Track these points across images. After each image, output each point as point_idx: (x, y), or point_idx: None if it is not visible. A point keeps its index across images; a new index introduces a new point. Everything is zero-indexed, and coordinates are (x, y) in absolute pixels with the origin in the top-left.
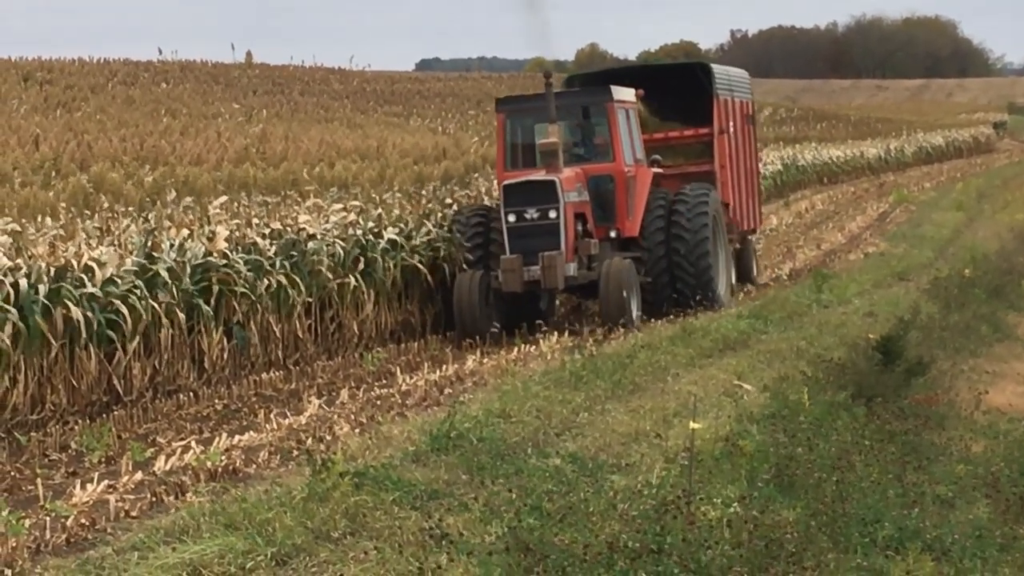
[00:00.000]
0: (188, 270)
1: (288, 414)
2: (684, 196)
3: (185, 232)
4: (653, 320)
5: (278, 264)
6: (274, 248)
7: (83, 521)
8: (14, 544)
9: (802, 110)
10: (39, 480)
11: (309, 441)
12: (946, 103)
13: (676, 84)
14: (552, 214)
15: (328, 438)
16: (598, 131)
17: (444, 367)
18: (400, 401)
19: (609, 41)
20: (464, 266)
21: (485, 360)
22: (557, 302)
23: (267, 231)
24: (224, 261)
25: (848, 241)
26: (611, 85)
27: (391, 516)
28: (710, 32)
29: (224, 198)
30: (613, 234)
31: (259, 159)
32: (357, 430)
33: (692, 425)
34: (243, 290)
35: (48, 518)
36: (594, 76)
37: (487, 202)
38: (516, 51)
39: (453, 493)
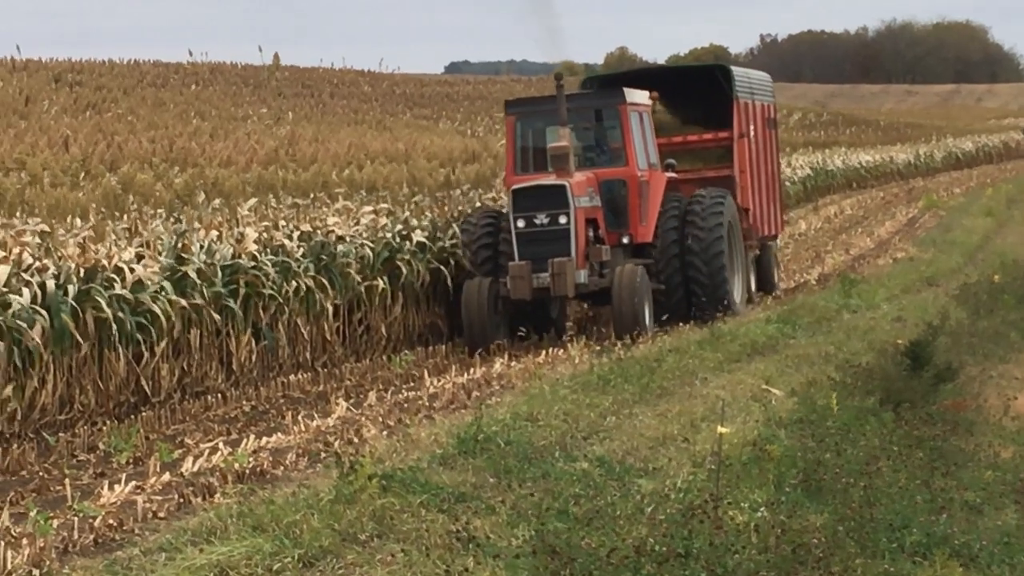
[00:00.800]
0: (217, 272)
1: (316, 416)
2: (699, 201)
3: (214, 234)
4: (681, 324)
5: (306, 266)
6: (302, 250)
7: (111, 522)
8: (42, 544)
9: (831, 115)
10: (67, 480)
11: (337, 443)
12: (976, 108)
13: (696, 87)
14: (562, 219)
15: (356, 440)
16: (610, 134)
17: (472, 370)
18: (427, 404)
19: (639, 45)
20: (472, 273)
21: (513, 363)
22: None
23: (296, 233)
24: (253, 263)
25: (877, 246)
26: (624, 87)
27: (418, 519)
28: (740, 37)
29: (253, 200)
30: (626, 240)
31: (288, 161)
32: (385, 432)
33: (720, 429)
34: (271, 292)
35: (76, 518)
36: (612, 78)
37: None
38: (546, 55)
39: (480, 496)
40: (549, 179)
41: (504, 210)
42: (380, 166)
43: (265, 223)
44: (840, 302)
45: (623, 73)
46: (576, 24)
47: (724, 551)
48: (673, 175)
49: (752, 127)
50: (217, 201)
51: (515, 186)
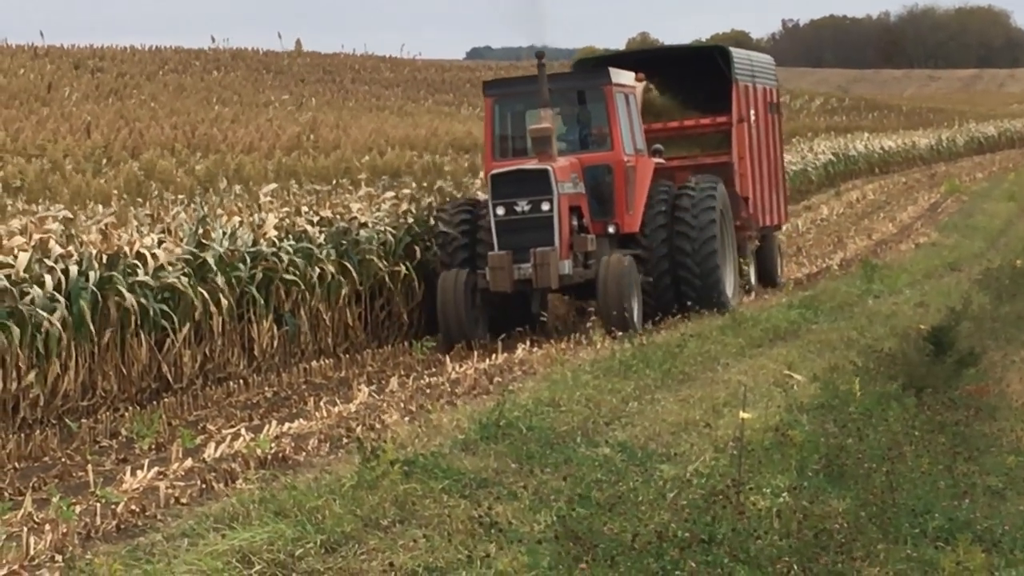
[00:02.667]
0: (240, 258)
1: (338, 402)
2: (689, 189)
3: (236, 220)
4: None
5: (328, 252)
6: (324, 236)
7: (133, 507)
8: (65, 530)
9: (853, 100)
10: (89, 466)
11: (359, 429)
12: (998, 93)
13: (694, 70)
14: (545, 206)
15: (378, 426)
16: (595, 117)
17: (494, 356)
18: (450, 389)
19: (661, 30)
20: (442, 265)
21: (535, 349)
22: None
23: (317, 219)
24: (274, 249)
25: (899, 231)
26: (610, 67)
27: (440, 504)
28: (762, 22)
29: (273, 185)
30: (611, 229)
31: (310, 147)
32: (406, 418)
33: (742, 415)
34: (293, 278)
35: (98, 504)
36: (607, 60)
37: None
38: (567, 40)
39: (502, 482)
40: (530, 163)
41: (482, 199)
42: (402, 152)
43: (286, 209)
44: (862, 287)
45: (618, 54)
46: (597, 9)
47: (746, 536)
48: (661, 161)
49: (753, 112)
50: (238, 187)
51: (494, 171)
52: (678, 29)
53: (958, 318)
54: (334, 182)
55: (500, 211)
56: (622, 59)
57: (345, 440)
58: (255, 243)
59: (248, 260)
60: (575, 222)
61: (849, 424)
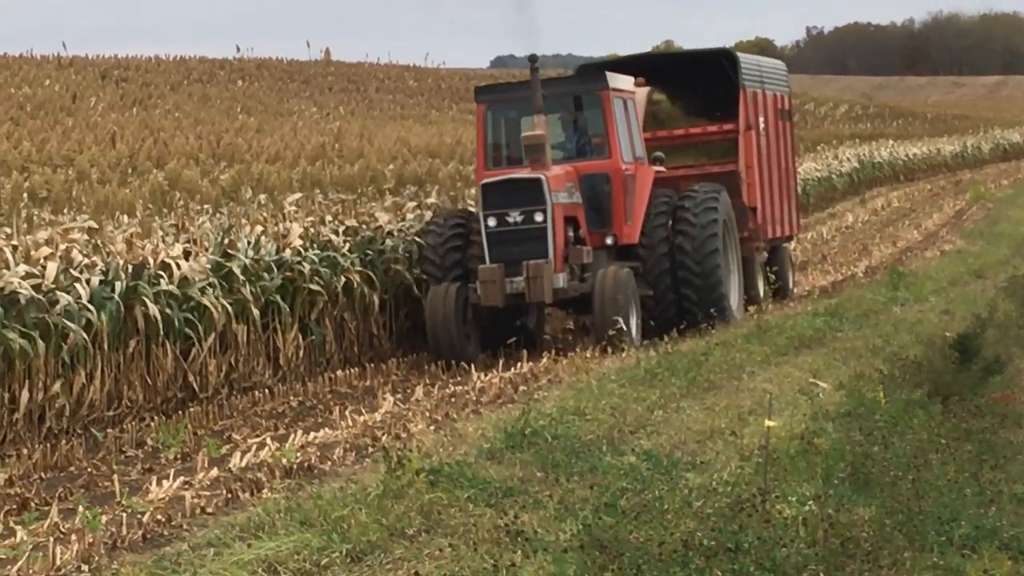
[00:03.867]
0: (265, 267)
1: (363, 411)
2: (690, 198)
3: (259, 229)
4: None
5: (353, 261)
6: (349, 245)
7: (159, 517)
8: (91, 540)
9: (878, 107)
10: (116, 476)
11: (384, 438)
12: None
13: (700, 76)
14: (538, 217)
15: (403, 435)
16: (592, 124)
17: (519, 364)
18: (475, 398)
19: (685, 38)
20: (433, 280)
21: (560, 358)
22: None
23: (343, 228)
24: (299, 258)
25: (924, 238)
26: (607, 72)
27: (466, 513)
28: (786, 29)
29: (298, 195)
30: (609, 241)
31: (335, 157)
32: (432, 427)
33: (767, 423)
34: (318, 287)
35: (125, 514)
36: (609, 65)
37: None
38: (590, 48)
39: (528, 490)
40: (522, 172)
41: (475, 210)
42: (426, 160)
43: (311, 218)
44: (887, 295)
45: (622, 59)
46: (621, 17)
47: (772, 545)
48: (661, 169)
49: (762, 119)
50: (262, 196)
51: (484, 180)
52: (703, 37)
53: (984, 325)
54: (359, 191)
55: (491, 222)
56: (626, 65)
57: (370, 449)
58: (280, 252)
59: (274, 269)
60: (571, 233)
61: (875, 432)
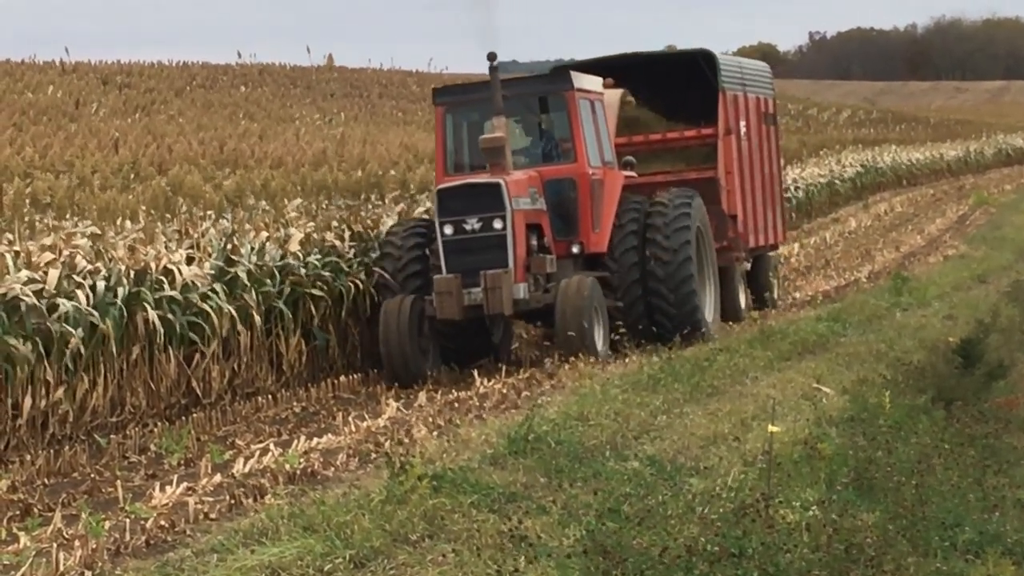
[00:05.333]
0: (268, 273)
1: (366, 417)
2: (662, 204)
3: (264, 235)
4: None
5: (356, 266)
6: (353, 251)
7: (162, 523)
8: (94, 546)
9: (881, 112)
10: (119, 482)
11: (387, 444)
12: None
13: (679, 78)
14: (497, 224)
15: (406, 441)
16: (557, 126)
17: (522, 370)
18: (478, 404)
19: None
20: (389, 292)
21: (563, 364)
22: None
23: (347, 234)
24: (302, 264)
25: (927, 244)
26: (572, 72)
27: (469, 519)
28: (789, 34)
29: (299, 201)
30: (576, 249)
31: (338, 162)
32: (435, 433)
33: (771, 428)
34: (321, 293)
35: (128, 520)
36: (584, 65)
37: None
38: (590, 52)
39: (531, 496)
40: (481, 177)
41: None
42: (429, 165)
43: (312, 224)
44: (891, 300)
45: (596, 60)
46: (621, 22)
47: (776, 550)
48: (632, 174)
49: (743, 123)
50: (264, 202)
51: (440, 186)
52: (704, 42)
53: (987, 330)
54: (363, 196)
55: (448, 230)
56: (600, 66)
57: (374, 455)
58: (283, 258)
59: (277, 275)
60: (534, 242)
61: (878, 437)
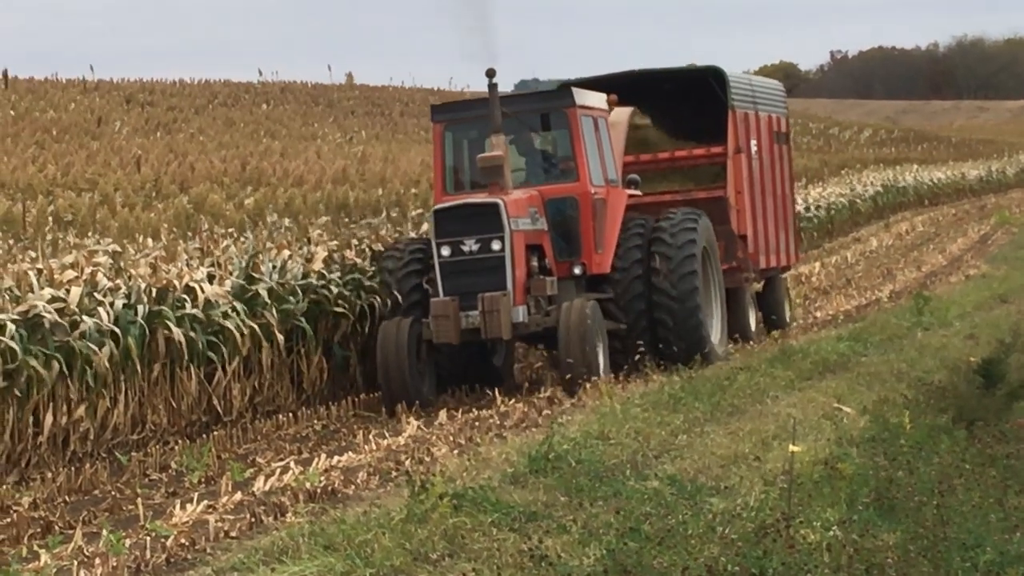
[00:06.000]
0: (290, 291)
1: (386, 435)
2: (666, 224)
3: (285, 253)
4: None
5: (379, 284)
6: (375, 268)
7: (183, 541)
8: (115, 564)
9: (903, 131)
10: (139, 500)
11: (408, 462)
12: None
13: (689, 95)
14: (496, 245)
15: (427, 459)
16: (558, 144)
17: (543, 388)
18: (498, 422)
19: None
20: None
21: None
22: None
23: (371, 252)
24: (323, 282)
25: (949, 263)
26: (574, 88)
27: (490, 538)
28: (810, 53)
29: (325, 218)
30: (578, 271)
31: (359, 180)
32: (455, 451)
33: (791, 448)
34: (342, 310)
35: (148, 538)
36: (591, 82)
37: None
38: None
39: (551, 515)
40: (479, 197)
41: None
42: None
43: (335, 242)
44: (912, 319)
45: (603, 77)
46: (641, 39)
47: (797, 570)
48: (637, 192)
49: (754, 142)
50: (287, 220)
51: (437, 206)
52: (725, 61)
53: (1008, 350)
54: (384, 214)
55: (445, 251)
56: (608, 82)
57: (394, 473)
58: (305, 276)
59: (299, 293)
60: (535, 263)
61: (899, 457)
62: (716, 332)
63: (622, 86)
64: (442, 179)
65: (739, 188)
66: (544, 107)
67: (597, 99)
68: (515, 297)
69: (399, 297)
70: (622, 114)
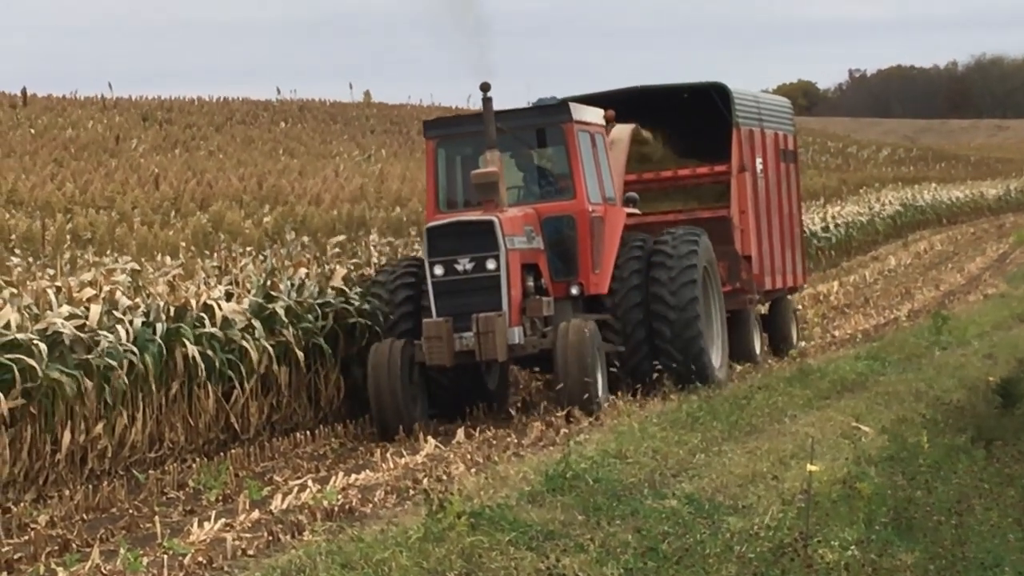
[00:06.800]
0: (308, 309)
1: (404, 453)
2: (666, 243)
3: (303, 272)
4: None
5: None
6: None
7: (200, 559)
8: None
9: (921, 150)
10: (157, 518)
11: (425, 481)
12: None
13: (692, 112)
14: (490, 264)
15: (444, 478)
16: (555, 161)
17: (560, 407)
18: (516, 441)
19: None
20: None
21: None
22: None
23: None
24: (342, 299)
25: (967, 282)
26: (571, 103)
27: (507, 556)
28: (829, 72)
29: (341, 237)
30: (575, 291)
31: (377, 199)
32: (473, 470)
33: (809, 467)
34: (363, 325)
35: (166, 556)
36: (593, 98)
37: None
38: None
39: (569, 534)
40: (473, 214)
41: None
42: None
43: (355, 260)
44: (930, 338)
45: (606, 93)
46: (656, 57)
47: None
48: (635, 211)
49: (759, 159)
50: (305, 238)
51: (430, 224)
52: (744, 79)
53: None
54: (407, 233)
55: (438, 271)
56: (610, 99)
57: (411, 492)
58: (321, 293)
59: (317, 311)
60: (531, 283)
61: (918, 476)
62: (717, 354)
63: (625, 102)
64: (435, 197)
65: (743, 207)
66: (540, 123)
67: (594, 114)
68: (511, 318)
69: (390, 318)
70: (623, 131)
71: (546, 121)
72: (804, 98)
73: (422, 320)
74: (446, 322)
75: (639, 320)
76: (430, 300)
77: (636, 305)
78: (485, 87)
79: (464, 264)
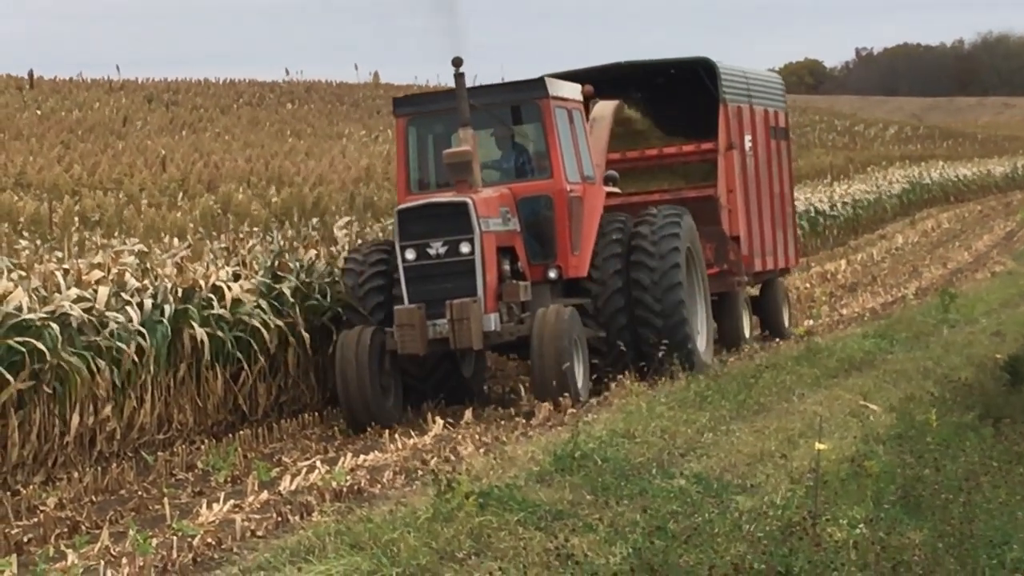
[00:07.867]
0: (315, 290)
1: (412, 434)
2: (648, 223)
3: (312, 253)
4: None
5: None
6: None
7: (209, 540)
8: (141, 563)
9: (928, 128)
10: (166, 499)
11: (433, 461)
12: None
13: (679, 88)
14: (464, 248)
15: (452, 458)
16: (531, 139)
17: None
18: (524, 421)
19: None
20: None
21: (610, 382)
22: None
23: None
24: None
25: (975, 260)
26: (547, 78)
27: (516, 536)
28: (836, 50)
29: (349, 218)
30: (553, 274)
31: (383, 179)
32: (481, 450)
33: (818, 446)
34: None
35: (175, 537)
36: (576, 75)
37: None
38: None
39: (577, 513)
40: (446, 196)
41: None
42: None
43: (361, 241)
44: (938, 316)
45: (589, 70)
46: (660, 35)
47: (823, 568)
48: (615, 190)
49: (749, 137)
50: (315, 220)
51: (401, 206)
52: (749, 58)
53: None
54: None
55: (410, 255)
56: (591, 75)
57: (420, 472)
58: (331, 274)
59: (327, 290)
60: (507, 267)
61: (926, 455)
62: (702, 340)
63: (609, 79)
64: (406, 178)
65: (731, 186)
66: (515, 99)
67: (572, 90)
68: (486, 304)
69: (360, 304)
70: (607, 108)
71: (521, 97)
72: (811, 76)
73: (394, 307)
74: (419, 309)
75: (620, 304)
76: (401, 286)
77: (617, 291)
78: (457, 62)
79: (437, 248)
